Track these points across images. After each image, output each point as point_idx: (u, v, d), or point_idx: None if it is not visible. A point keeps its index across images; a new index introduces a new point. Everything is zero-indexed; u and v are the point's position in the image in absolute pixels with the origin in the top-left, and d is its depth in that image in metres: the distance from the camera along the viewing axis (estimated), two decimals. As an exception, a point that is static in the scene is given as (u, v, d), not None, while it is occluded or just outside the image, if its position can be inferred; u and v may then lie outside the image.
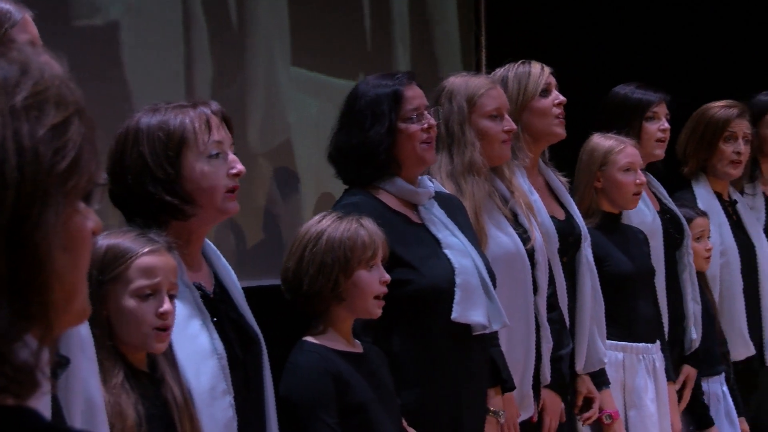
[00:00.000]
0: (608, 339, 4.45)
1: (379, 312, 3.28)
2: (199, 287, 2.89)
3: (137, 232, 2.71)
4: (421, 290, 3.48)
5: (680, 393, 4.83)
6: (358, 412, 3.18)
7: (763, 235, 5.37)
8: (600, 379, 4.35)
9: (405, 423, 3.41)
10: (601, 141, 4.61)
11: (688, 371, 4.87)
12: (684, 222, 4.95)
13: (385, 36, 5.40)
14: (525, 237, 3.95)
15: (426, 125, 3.58)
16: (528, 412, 3.97)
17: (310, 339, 3.27)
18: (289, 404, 3.12)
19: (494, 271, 3.65)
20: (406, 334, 3.49)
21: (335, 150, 3.61)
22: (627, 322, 4.52)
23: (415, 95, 3.60)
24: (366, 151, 3.55)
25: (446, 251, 3.54)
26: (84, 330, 2.21)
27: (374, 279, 3.25)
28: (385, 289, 3.27)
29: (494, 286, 3.60)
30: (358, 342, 3.33)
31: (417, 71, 4.01)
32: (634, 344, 4.52)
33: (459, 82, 3.96)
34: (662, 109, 4.92)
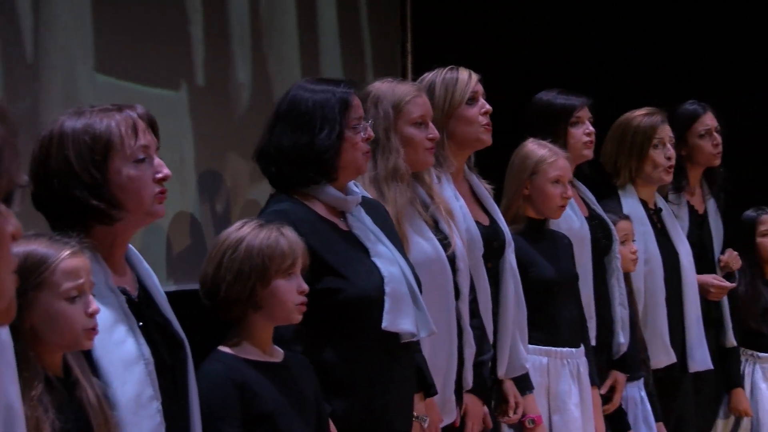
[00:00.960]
0: (532, 344, 4.49)
1: (299, 317, 3.28)
2: (124, 291, 2.88)
3: (48, 236, 2.70)
4: (351, 299, 3.49)
5: (609, 397, 4.89)
6: (266, 421, 3.17)
7: (686, 244, 5.44)
8: (524, 384, 4.39)
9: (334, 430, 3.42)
10: (534, 149, 4.65)
11: (617, 376, 4.92)
12: (612, 228, 5.00)
13: (312, 42, 5.38)
14: (446, 243, 3.97)
15: (366, 136, 3.60)
16: (450, 416, 3.99)
17: (222, 348, 3.26)
18: None
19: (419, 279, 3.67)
20: (336, 342, 3.50)
21: (274, 149, 3.56)
22: (551, 327, 4.56)
23: (358, 104, 3.61)
24: (313, 155, 3.53)
25: (375, 260, 3.55)
26: (4, 334, 2.20)
27: (292, 288, 3.24)
28: (303, 299, 3.27)
29: (420, 292, 3.61)
30: (279, 350, 3.32)
31: (342, 77, 4.00)
32: (558, 349, 4.56)
33: (385, 88, 3.98)
34: (585, 113, 4.98)
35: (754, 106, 6.16)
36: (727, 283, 5.58)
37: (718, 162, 5.66)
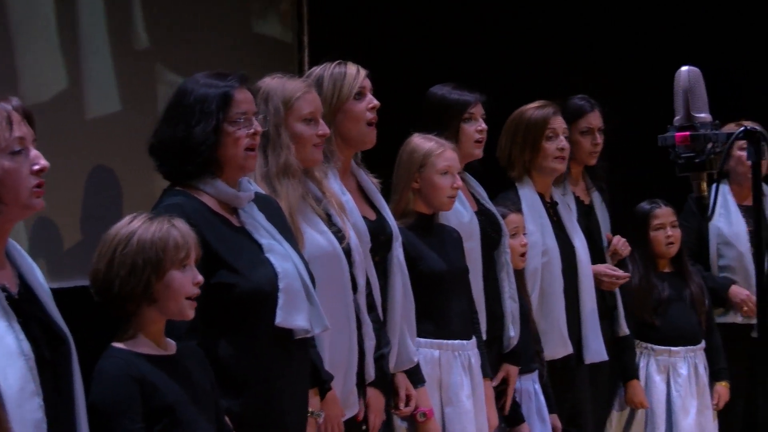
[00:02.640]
0: (424, 337, 4.50)
1: (191, 313, 3.26)
2: (3, 288, 2.85)
3: None
4: (245, 295, 3.47)
5: (502, 390, 4.92)
6: (167, 414, 3.16)
7: (582, 236, 5.50)
8: (415, 377, 4.40)
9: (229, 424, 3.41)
10: (421, 142, 4.66)
11: (508, 368, 4.95)
12: (502, 222, 5.03)
13: (207, 35, 5.35)
14: (340, 236, 3.97)
15: (252, 131, 3.57)
16: (353, 410, 4.00)
17: (116, 344, 3.24)
18: (95, 411, 3.08)
19: (312, 271, 3.66)
20: (230, 338, 3.48)
21: (158, 142, 3.55)
22: (442, 320, 4.57)
23: (244, 99, 3.57)
24: (189, 147, 3.51)
25: (268, 255, 3.53)
26: None
27: (187, 280, 3.23)
28: (197, 290, 3.26)
29: (314, 287, 3.61)
30: (172, 343, 3.30)
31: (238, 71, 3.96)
32: (450, 341, 4.58)
33: (275, 84, 3.96)
34: (479, 110, 5.00)
35: (646, 100, 6.22)
36: (621, 273, 5.64)
37: (593, 162, 5.71)
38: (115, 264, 3.19)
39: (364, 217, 4.24)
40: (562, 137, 5.34)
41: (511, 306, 4.97)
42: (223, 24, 5.54)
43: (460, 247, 4.71)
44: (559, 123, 5.36)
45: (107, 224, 3.28)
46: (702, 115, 3.33)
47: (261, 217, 3.61)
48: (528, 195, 5.33)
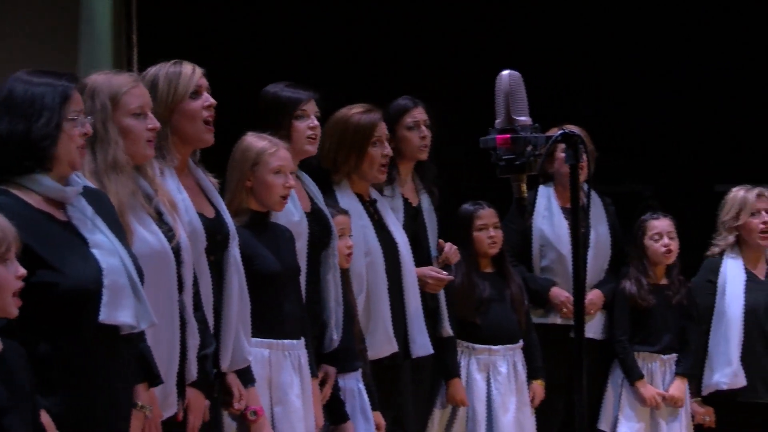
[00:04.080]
0: (255, 336, 4.50)
1: (15, 311, 3.22)
2: None
3: None
4: (66, 293, 3.43)
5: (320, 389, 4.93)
6: None
7: (404, 234, 5.54)
8: (246, 376, 4.41)
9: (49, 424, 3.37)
10: (254, 141, 4.67)
11: (327, 369, 4.97)
12: (332, 223, 5.05)
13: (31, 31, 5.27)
14: (170, 235, 3.96)
15: (83, 131, 3.55)
16: (171, 410, 3.98)
17: None
18: None
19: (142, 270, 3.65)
20: (52, 337, 3.44)
21: None
22: (274, 319, 4.58)
23: (78, 98, 3.57)
24: (30, 142, 3.47)
25: (93, 251, 3.50)
26: None
27: (10, 275, 3.20)
28: (21, 284, 3.22)
29: (142, 283, 3.59)
30: None
31: (65, 70, 3.92)
32: (281, 341, 4.60)
33: (102, 79, 3.93)
34: (311, 107, 5.02)
35: (468, 103, 6.33)
36: (445, 276, 5.72)
37: (424, 156, 5.78)
38: None
39: (202, 215, 4.24)
40: (386, 144, 5.39)
41: (335, 309, 4.97)
42: (52, 20, 5.47)
43: (292, 247, 4.73)
44: (383, 130, 5.40)
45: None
46: (522, 118, 3.40)
47: (89, 211, 3.57)
48: (346, 197, 5.34)
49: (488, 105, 3.56)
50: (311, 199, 5.09)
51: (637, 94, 7.99)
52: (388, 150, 5.39)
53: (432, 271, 5.69)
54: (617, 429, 6.33)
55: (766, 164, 7.79)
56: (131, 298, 3.51)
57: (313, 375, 4.75)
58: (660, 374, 6.33)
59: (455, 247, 5.84)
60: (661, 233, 6.36)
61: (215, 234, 4.30)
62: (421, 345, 5.48)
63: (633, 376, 6.31)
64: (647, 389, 6.27)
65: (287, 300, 4.63)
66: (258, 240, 4.62)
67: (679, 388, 6.29)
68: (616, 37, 7.91)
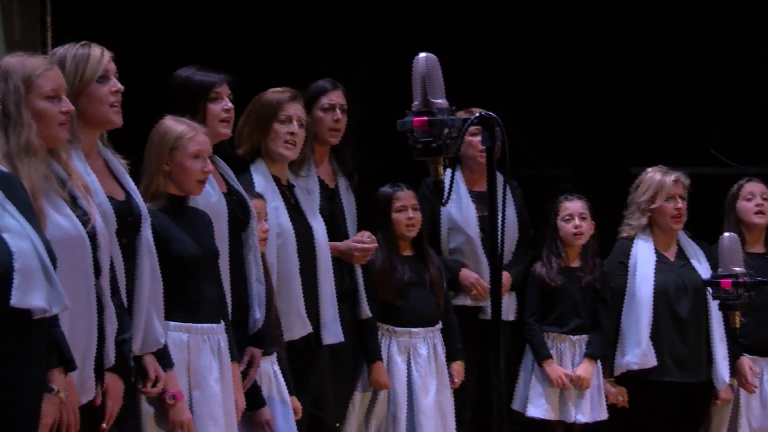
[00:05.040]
0: (173, 320, 4.50)
1: None
2: None
3: None
4: None
5: (246, 372, 4.93)
6: None
7: (320, 219, 5.54)
8: (164, 360, 4.39)
9: None
10: (172, 125, 4.65)
11: (253, 351, 4.97)
12: (250, 204, 5.04)
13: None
14: (84, 219, 3.93)
15: None
16: (89, 395, 3.96)
17: None
18: None
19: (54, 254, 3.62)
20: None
21: None
22: (192, 303, 4.57)
23: None
24: None
25: (4, 235, 3.47)
26: None
27: None
28: None
29: (54, 267, 3.57)
30: None
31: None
32: (199, 325, 4.58)
33: (15, 62, 3.89)
34: (224, 90, 5.01)
35: (386, 85, 6.33)
36: (369, 243, 5.71)
37: (334, 141, 5.78)
38: None
39: (112, 198, 4.22)
40: (295, 124, 5.38)
41: (257, 288, 4.99)
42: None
43: (211, 231, 4.72)
44: (295, 110, 5.39)
45: None
46: (439, 101, 3.41)
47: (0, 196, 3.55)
48: (261, 178, 5.32)
49: (407, 88, 3.57)
50: (226, 180, 5.08)
51: (552, 77, 8.05)
52: (294, 128, 5.36)
53: (353, 242, 5.69)
54: (526, 409, 6.39)
55: (679, 146, 7.91)
56: (43, 281, 3.49)
57: (234, 359, 4.73)
58: (569, 354, 6.38)
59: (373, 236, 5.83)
60: (572, 215, 6.42)
61: (126, 216, 4.28)
62: (333, 332, 5.47)
63: (540, 356, 6.36)
64: (553, 369, 6.32)
65: (206, 284, 4.62)
66: (176, 224, 4.60)
67: (586, 369, 6.34)
68: (531, 20, 7.96)
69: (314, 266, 5.44)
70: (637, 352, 6.25)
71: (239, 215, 4.99)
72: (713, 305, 6.16)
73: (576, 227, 6.40)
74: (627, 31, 8.05)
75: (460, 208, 6.30)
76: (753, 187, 6.42)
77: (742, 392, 6.32)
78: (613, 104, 8.09)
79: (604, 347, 6.38)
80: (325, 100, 5.77)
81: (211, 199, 4.83)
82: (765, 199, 6.39)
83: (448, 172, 6.15)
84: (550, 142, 8.20)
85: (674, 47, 8.09)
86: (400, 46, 5.82)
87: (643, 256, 6.36)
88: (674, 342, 6.28)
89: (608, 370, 6.41)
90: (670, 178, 6.36)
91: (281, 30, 6.81)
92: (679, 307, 6.28)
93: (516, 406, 6.44)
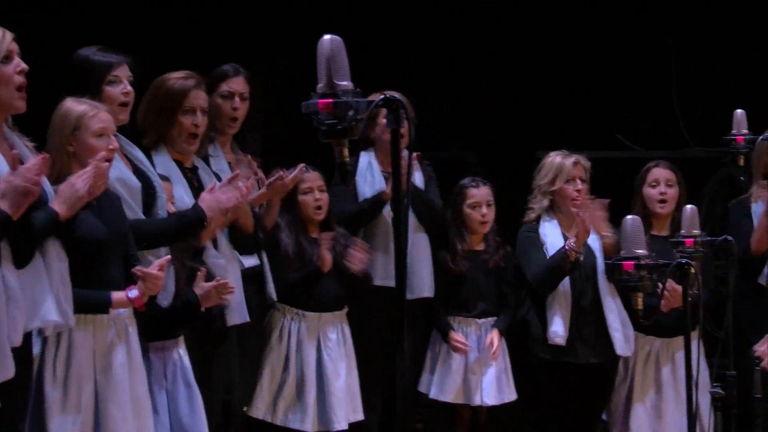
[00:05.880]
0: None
1: None
2: None
3: None
4: None
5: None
6: None
7: None
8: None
9: None
10: (73, 105, 4.60)
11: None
12: (156, 181, 4.99)
13: None
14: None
15: None
16: (7, 373, 3.98)
17: None
18: None
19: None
20: None
21: None
22: (101, 286, 4.52)
23: None
24: None
25: None
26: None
27: None
28: None
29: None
30: None
31: None
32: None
33: None
34: (124, 71, 4.95)
35: (293, 68, 6.31)
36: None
37: (232, 130, 5.72)
38: None
39: None
40: (199, 114, 5.30)
41: (168, 268, 4.91)
42: None
43: (119, 211, 4.66)
44: (198, 100, 5.31)
45: None
46: (344, 83, 3.41)
47: None
48: (163, 162, 5.24)
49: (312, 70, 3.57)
50: (131, 160, 5.02)
51: (461, 62, 8.09)
52: (199, 121, 5.30)
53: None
54: (431, 390, 6.42)
55: (586, 131, 7.99)
56: None
57: (148, 339, 4.69)
58: (475, 338, 6.42)
59: None
60: (479, 202, 6.45)
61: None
62: (239, 314, 5.44)
63: (444, 331, 6.39)
64: (458, 336, 6.36)
65: (113, 265, 4.57)
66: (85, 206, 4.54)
67: (495, 337, 6.38)
68: (442, 6, 8.00)
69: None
70: (549, 332, 6.30)
71: (146, 193, 4.93)
72: (605, 286, 6.24)
73: (483, 215, 6.44)
74: (535, 17, 8.12)
75: (374, 189, 6.32)
76: (659, 173, 6.49)
77: (637, 372, 6.40)
78: (521, 90, 8.16)
79: (510, 325, 6.42)
80: (225, 87, 5.73)
81: (120, 176, 4.78)
82: (669, 185, 6.46)
83: (362, 154, 6.31)
84: (459, 127, 8.25)
85: (582, 34, 8.17)
86: (307, 28, 5.84)
87: (551, 235, 6.41)
88: (582, 325, 6.34)
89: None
90: (570, 160, 6.42)
91: (187, 9, 6.76)
92: (582, 289, 6.35)
93: (422, 388, 6.46)
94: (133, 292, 4.44)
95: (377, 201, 6.27)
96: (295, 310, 6.01)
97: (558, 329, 6.25)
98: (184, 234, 4.99)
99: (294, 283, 5.96)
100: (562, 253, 6.25)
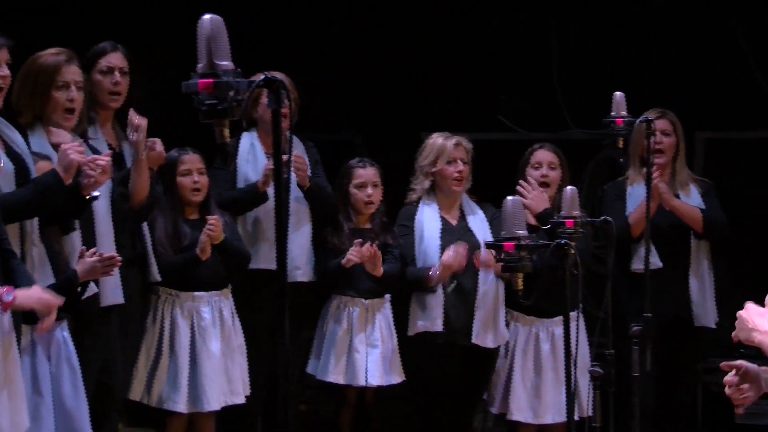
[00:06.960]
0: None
1: None
2: None
3: None
4: None
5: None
6: None
7: (108, 183, 5.43)
8: None
9: None
10: None
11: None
12: (30, 165, 4.88)
13: None
14: None
15: None
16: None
17: None
18: None
19: None
20: None
21: None
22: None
23: None
24: None
25: None
26: None
27: None
28: None
29: None
30: None
31: None
32: None
33: None
34: (3, 55, 4.86)
35: (174, 48, 6.26)
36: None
37: (115, 104, 5.66)
38: None
39: None
40: (73, 89, 5.24)
41: (41, 249, 4.84)
42: None
43: None
44: (71, 74, 5.25)
45: None
46: (224, 63, 3.38)
47: None
48: (40, 141, 5.13)
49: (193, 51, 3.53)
50: (5, 142, 4.91)
51: (345, 44, 8.09)
52: (74, 95, 5.23)
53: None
54: (317, 372, 6.41)
55: (470, 112, 8.05)
56: None
57: (27, 322, 4.62)
58: (362, 319, 6.42)
59: None
60: (365, 183, 6.46)
61: None
62: (112, 295, 5.40)
63: (422, 274, 6.34)
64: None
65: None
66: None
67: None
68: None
69: (93, 229, 5.33)
70: (425, 315, 6.34)
71: (19, 178, 4.83)
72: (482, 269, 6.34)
73: (369, 196, 6.44)
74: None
75: (256, 169, 6.29)
76: (542, 155, 6.56)
77: (517, 351, 6.47)
78: (404, 71, 8.18)
79: (394, 275, 6.39)
80: (103, 62, 5.66)
81: None
82: (552, 168, 6.54)
83: (245, 135, 6.27)
84: (344, 108, 8.25)
85: (465, 15, 8.22)
86: (188, 9, 5.79)
87: (428, 219, 6.45)
88: (459, 307, 6.39)
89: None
90: (451, 141, 6.46)
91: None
92: (462, 271, 6.39)
93: (310, 369, 6.46)
94: (9, 296, 4.26)
95: (252, 192, 6.22)
96: (168, 291, 5.96)
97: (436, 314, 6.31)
98: (46, 200, 4.73)
99: (171, 267, 5.91)
100: (424, 272, 6.28)
